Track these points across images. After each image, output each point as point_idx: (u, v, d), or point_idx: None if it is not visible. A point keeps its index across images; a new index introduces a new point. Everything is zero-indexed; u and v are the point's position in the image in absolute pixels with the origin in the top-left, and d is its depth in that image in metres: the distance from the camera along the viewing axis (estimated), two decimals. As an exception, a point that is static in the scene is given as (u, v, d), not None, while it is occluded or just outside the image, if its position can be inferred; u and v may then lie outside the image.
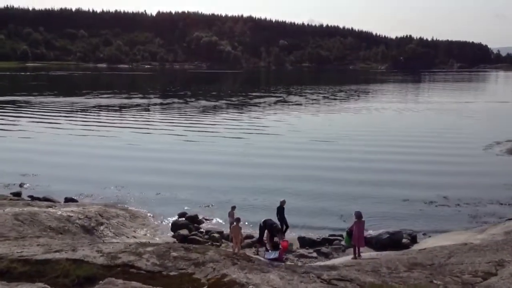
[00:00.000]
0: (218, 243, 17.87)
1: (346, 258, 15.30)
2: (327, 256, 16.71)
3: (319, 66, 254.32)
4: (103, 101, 67.36)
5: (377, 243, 17.31)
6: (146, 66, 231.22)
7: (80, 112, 54.70)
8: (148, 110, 58.69)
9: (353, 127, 44.77)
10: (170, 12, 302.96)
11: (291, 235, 18.25)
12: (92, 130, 41.88)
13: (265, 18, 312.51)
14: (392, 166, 28.99)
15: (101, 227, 17.99)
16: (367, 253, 15.85)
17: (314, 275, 8.91)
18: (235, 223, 16.29)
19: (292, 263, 15.09)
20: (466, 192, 23.64)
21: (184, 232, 18.67)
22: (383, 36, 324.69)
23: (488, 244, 14.09)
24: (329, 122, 48.45)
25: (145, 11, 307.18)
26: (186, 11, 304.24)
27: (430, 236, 18.49)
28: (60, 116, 50.55)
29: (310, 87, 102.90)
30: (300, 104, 66.50)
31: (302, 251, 17.21)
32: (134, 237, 18.19)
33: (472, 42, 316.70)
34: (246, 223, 18.96)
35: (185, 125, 44.66)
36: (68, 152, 32.14)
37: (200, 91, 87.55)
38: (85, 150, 32.72)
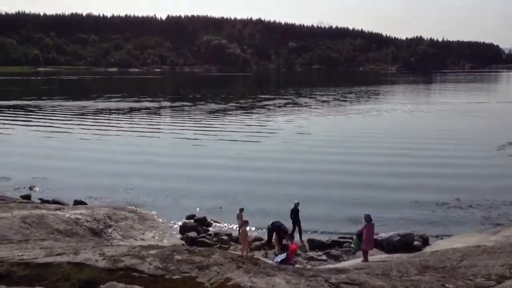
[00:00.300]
0: (226, 246, 17.74)
1: (356, 261, 15.05)
2: (336, 258, 16.47)
3: (329, 67, 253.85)
4: (113, 104, 67.66)
5: (388, 245, 17.03)
6: (156, 70, 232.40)
7: (90, 115, 54.94)
8: (158, 113, 58.79)
9: (363, 129, 44.39)
10: (180, 16, 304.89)
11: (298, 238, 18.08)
12: (102, 133, 42.00)
13: (274, 21, 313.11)
14: (403, 168, 28.63)
15: (109, 230, 17.90)
16: (377, 256, 15.59)
17: (322, 278, 8.68)
18: (243, 226, 16.14)
19: (301, 266, 14.87)
20: (478, 193, 23.25)
21: (193, 234, 18.55)
22: (393, 37, 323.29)
23: (502, 247, 13.73)
24: (339, 124, 48.12)
25: (154, 15, 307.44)
26: (195, 15, 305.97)
27: (442, 238, 18.16)
28: (70, 120, 50.80)
29: (320, 89, 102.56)
30: (310, 106, 66.22)
31: (312, 253, 17.00)
32: (143, 239, 18.10)
33: (483, 42, 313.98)
34: (255, 226, 18.79)
35: (194, 129, 44.60)
36: (78, 155, 32.21)
37: (210, 94, 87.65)
38: (95, 153, 32.77)
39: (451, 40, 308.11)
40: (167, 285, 6.93)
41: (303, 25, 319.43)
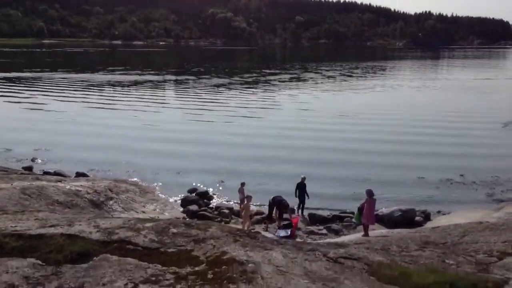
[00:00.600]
0: (227, 219, 17.76)
1: (356, 235, 15.00)
2: (337, 233, 16.46)
3: (336, 42, 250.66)
4: (117, 77, 67.29)
5: (389, 220, 16.99)
6: (161, 43, 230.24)
7: (95, 88, 54.72)
8: (162, 87, 58.44)
9: (368, 105, 43.94)
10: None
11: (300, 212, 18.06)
12: (106, 106, 41.85)
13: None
14: (408, 143, 28.43)
15: (110, 202, 17.87)
16: (378, 231, 15.53)
17: (320, 253, 8.58)
18: (246, 201, 16.10)
19: (301, 240, 14.84)
20: (483, 170, 23.08)
21: (194, 207, 18.57)
22: (402, 12, 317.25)
23: (504, 223, 13.61)
24: (344, 100, 47.62)
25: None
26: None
27: (444, 214, 18.06)
28: (74, 92, 50.62)
29: (327, 64, 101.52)
30: (316, 82, 65.58)
31: (312, 227, 16.99)
32: (144, 212, 18.10)
33: (493, 18, 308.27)
34: (256, 200, 18.71)
35: (197, 103, 44.27)
36: (80, 128, 32.17)
37: (214, 68, 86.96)
38: (98, 126, 32.70)
39: (460, 15, 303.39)
40: (162, 258, 6.83)
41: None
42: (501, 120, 35.89)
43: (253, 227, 16.26)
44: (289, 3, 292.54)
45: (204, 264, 6.71)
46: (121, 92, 51.68)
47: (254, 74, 75.82)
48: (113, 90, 53.46)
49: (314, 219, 17.64)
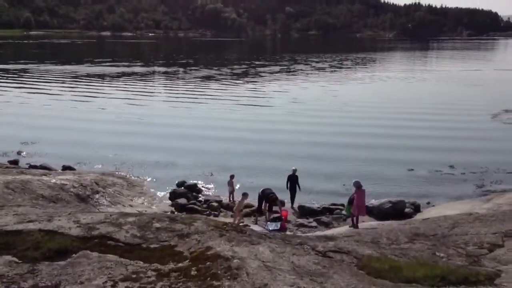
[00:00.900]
0: (216, 212, 17.56)
1: (346, 228, 14.88)
2: (327, 225, 16.32)
3: (326, 34, 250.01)
4: (105, 69, 66.48)
5: (379, 212, 16.89)
6: (150, 34, 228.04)
7: (81, 80, 53.96)
8: (150, 78, 57.85)
9: (357, 97, 43.77)
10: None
11: (290, 205, 17.88)
12: (94, 99, 41.26)
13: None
14: (398, 135, 28.36)
15: (97, 196, 17.56)
16: (368, 223, 15.40)
17: (309, 246, 8.41)
18: (241, 197, 15.91)
19: (291, 233, 14.68)
20: (472, 161, 23.05)
21: (183, 201, 18.29)
22: (391, 3, 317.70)
23: (494, 214, 13.53)
24: (334, 92, 47.37)
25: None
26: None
27: (434, 206, 17.98)
28: (61, 84, 49.88)
29: (316, 56, 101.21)
30: (305, 74, 65.31)
31: (302, 220, 16.81)
32: (131, 205, 17.82)
33: (482, 10, 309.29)
34: (246, 192, 18.44)
35: (186, 96, 43.75)
36: (67, 120, 31.70)
37: (203, 60, 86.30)
38: (86, 120, 32.13)
39: (449, 6, 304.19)
40: (143, 254, 6.58)
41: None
42: (490, 111, 35.93)
43: (242, 221, 16.09)
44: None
45: (188, 260, 6.47)
46: (109, 85, 51.00)
47: (244, 66, 75.32)
48: (101, 83, 52.77)
49: (304, 212, 17.47)
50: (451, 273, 7.56)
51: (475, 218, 13.07)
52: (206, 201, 18.59)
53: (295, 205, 17.95)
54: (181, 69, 68.24)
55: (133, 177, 20.86)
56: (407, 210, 17.25)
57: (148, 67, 71.13)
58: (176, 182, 20.18)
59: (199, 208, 17.72)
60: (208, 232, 7.55)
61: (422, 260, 8.38)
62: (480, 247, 9.94)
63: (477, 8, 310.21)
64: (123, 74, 60.87)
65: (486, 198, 18.18)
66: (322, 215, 17.16)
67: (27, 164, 22.09)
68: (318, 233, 14.19)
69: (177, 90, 47.74)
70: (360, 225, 14.72)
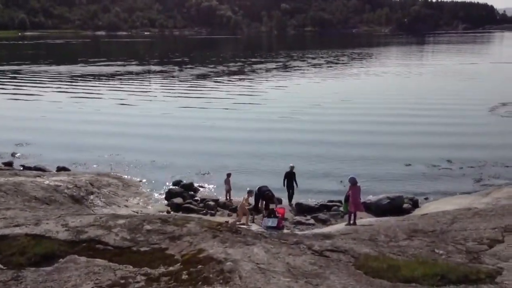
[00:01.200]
0: (213, 211, 17.34)
1: (343, 225, 14.67)
2: (324, 222, 16.13)
3: (322, 30, 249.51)
4: (100, 69, 66.14)
5: (377, 209, 16.70)
6: (145, 33, 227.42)
7: (77, 80, 53.66)
8: (146, 78, 57.43)
9: (355, 92, 43.62)
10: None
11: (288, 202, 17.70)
12: (89, 99, 40.92)
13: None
14: (395, 129, 28.21)
15: (91, 197, 17.34)
16: (366, 219, 15.20)
17: (305, 246, 8.20)
18: (247, 195, 15.71)
19: (288, 231, 14.50)
20: (470, 154, 22.89)
21: (179, 200, 18.05)
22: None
23: (493, 209, 13.34)
24: (330, 88, 47.19)
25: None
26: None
27: (432, 201, 17.80)
28: (56, 84, 49.60)
29: (312, 52, 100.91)
30: (302, 70, 65.04)
31: (299, 217, 16.62)
32: (126, 206, 17.62)
33: (478, 3, 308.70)
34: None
35: (181, 95, 43.47)
36: (62, 121, 31.45)
37: (199, 58, 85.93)
38: (81, 120, 31.84)
39: (445, 0, 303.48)
40: (133, 258, 6.37)
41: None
42: (487, 105, 35.77)
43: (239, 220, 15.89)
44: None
45: (179, 264, 6.25)
46: (104, 85, 50.64)
47: (239, 63, 75.00)
48: (96, 83, 52.44)
49: (302, 209, 17.28)
50: (451, 271, 7.37)
51: (474, 213, 12.88)
52: (202, 200, 18.36)
53: (293, 202, 17.77)
54: (177, 68, 67.89)
55: (128, 177, 20.62)
56: (405, 206, 17.07)
57: (143, 66, 70.75)
58: (172, 181, 19.97)
59: (196, 208, 17.52)
60: (201, 233, 7.33)
61: (421, 258, 8.18)
62: (480, 243, 9.74)
63: (473, 1, 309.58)
64: (118, 74, 60.51)
65: (485, 192, 18.00)
66: (320, 212, 16.98)
67: (21, 165, 21.84)
68: (316, 230, 13.98)
69: (173, 89, 47.44)
70: (358, 221, 14.52)
